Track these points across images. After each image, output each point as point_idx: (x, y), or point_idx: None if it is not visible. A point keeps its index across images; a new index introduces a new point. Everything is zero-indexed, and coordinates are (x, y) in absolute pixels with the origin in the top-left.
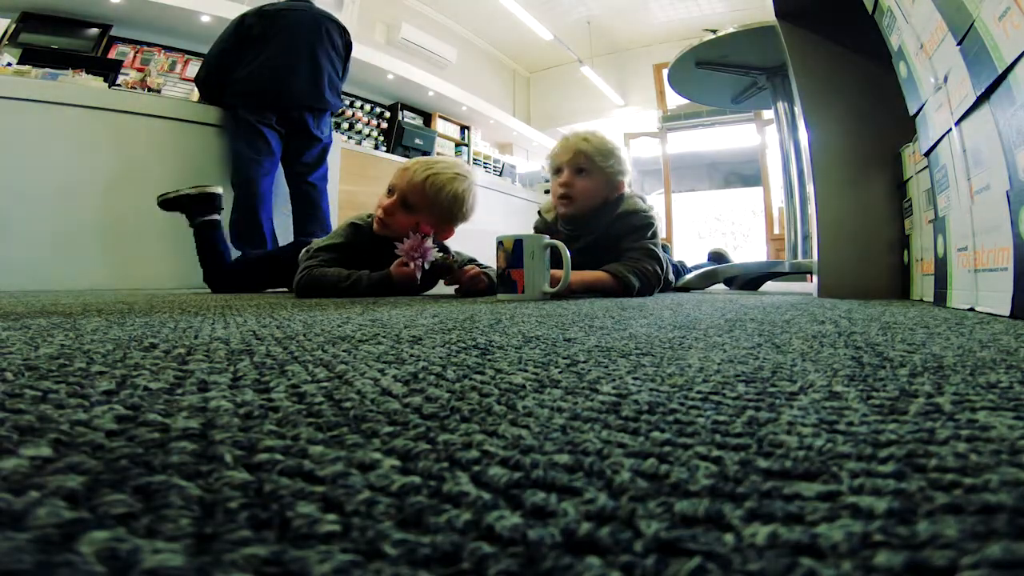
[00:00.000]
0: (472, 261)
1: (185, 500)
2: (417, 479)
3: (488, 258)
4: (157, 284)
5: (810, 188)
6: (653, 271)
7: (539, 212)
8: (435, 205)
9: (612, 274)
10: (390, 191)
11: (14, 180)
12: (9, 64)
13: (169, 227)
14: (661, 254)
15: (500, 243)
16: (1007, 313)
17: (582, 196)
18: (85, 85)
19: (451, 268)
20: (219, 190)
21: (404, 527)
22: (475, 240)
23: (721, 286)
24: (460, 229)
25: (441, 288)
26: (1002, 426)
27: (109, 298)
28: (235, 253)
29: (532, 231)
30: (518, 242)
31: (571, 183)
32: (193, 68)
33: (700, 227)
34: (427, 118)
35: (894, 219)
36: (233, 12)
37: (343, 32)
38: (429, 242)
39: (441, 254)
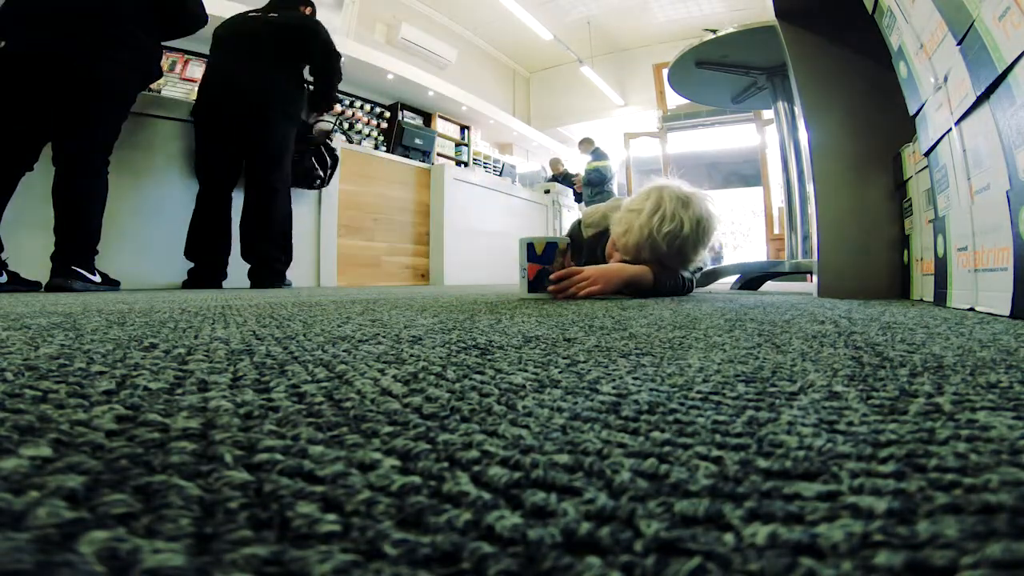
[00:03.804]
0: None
1: (185, 500)
2: (417, 479)
3: (489, 258)
4: (154, 283)
5: (810, 188)
6: (688, 277)
7: (580, 223)
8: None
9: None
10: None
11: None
12: None
13: (166, 226)
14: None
15: (531, 245)
16: (1007, 313)
17: None
18: None
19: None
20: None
21: (404, 527)
22: (475, 240)
23: (722, 286)
24: (456, 228)
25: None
26: (1002, 426)
27: (109, 298)
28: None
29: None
30: (550, 244)
31: None
32: (192, 69)
33: None
34: (427, 118)
35: (894, 219)
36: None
37: None
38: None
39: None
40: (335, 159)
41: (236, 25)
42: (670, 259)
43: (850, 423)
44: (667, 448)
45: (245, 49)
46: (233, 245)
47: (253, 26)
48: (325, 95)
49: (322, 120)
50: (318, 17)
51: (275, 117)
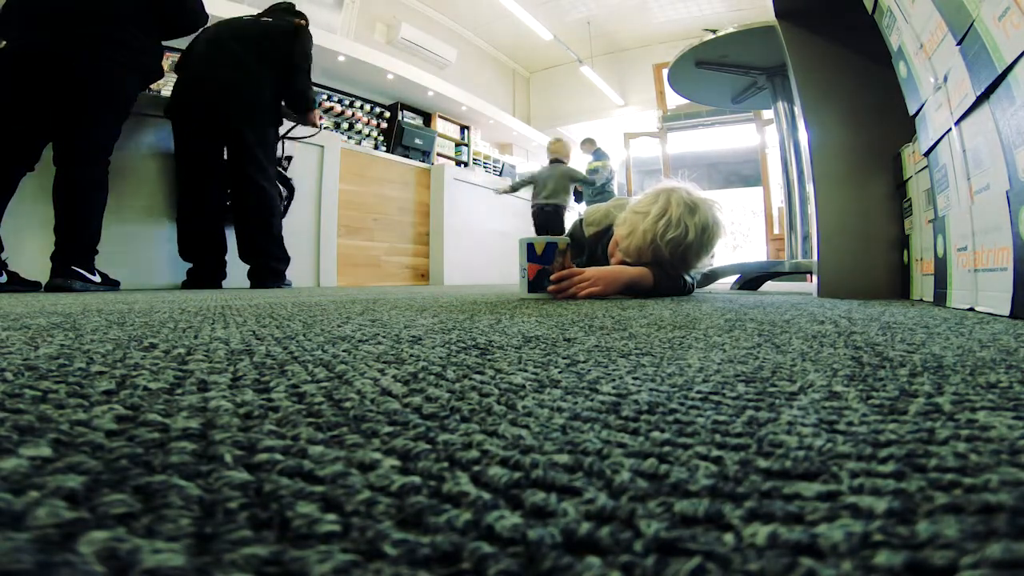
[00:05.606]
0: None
1: (185, 500)
2: (417, 479)
3: (489, 258)
4: (154, 283)
5: (810, 188)
6: (689, 281)
7: (582, 222)
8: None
9: (648, 267)
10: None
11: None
12: None
13: (166, 226)
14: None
15: (531, 245)
16: (1007, 313)
17: None
18: None
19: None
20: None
21: (404, 527)
22: (475, 240)
23: (722, 286)
24: (456, 228)
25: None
26: (1002, 426)
27: (109, 298)
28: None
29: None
30: (550, 244)
31: None
32: None
33: None
34: (427, 118)
35: (894, 219)
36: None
37: None
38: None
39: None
40: (291, 190)
41: (226, 27)
42: (672, 265)
43: (850, 423)
44: (667, 448)
45: (235, 51)
46: (230, 245)
47: (246, 29)
48: (299, 96)
49: (302, 128)
50: (318, 18)
51: (264, 119)
